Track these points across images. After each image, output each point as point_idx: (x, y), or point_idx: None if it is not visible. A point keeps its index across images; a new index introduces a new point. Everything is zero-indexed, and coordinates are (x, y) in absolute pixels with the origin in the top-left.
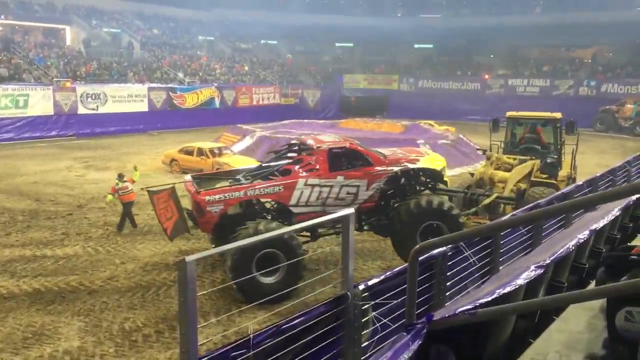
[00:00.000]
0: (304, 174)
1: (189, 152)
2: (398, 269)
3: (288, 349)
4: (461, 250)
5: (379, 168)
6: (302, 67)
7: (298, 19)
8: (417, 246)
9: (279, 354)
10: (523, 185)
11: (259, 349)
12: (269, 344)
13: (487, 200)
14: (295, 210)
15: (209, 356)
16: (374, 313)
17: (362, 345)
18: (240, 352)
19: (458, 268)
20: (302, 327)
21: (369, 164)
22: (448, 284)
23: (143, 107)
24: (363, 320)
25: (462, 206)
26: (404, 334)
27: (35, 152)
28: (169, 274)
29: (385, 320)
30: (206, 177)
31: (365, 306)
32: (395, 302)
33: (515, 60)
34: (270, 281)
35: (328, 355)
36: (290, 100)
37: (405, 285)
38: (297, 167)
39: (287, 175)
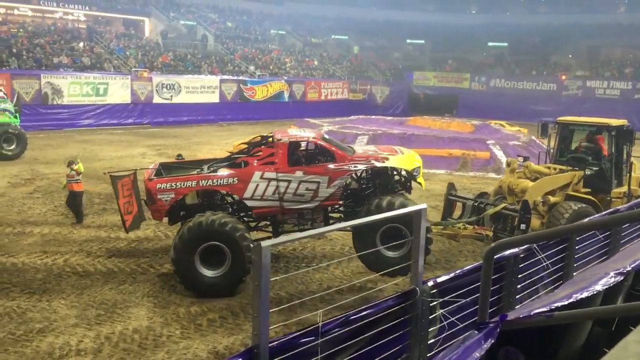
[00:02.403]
0: (261, 167)
1: None
2: (468, 267)
3: (355, 339)
4: (534, 253)
5: (342, 165)
6: (371, 62)
7: (369, 14)
8: (493, 244)
9: (345, 344)
10: (553, 199)
11: (327, 337)
12: (336, 333)
13: (491, 210)
14: (249, 203)
15: (279, 340)
16: (441, 310)
17: (429, 342)
18: (308, 339)
19: (530, 271)
20: (370, 319)
21: (332, 160)
22: (519, 286)
23: (214, 98)
24: (430, 317)
25: (471, 214)
26: (475, 332)
27: (113, 139)
28: None
29: (453, 319)
30: (176, 165)
31: (433, 303)
32: (464, 300)
33: (594, 61)
34: (212, 274)
35: (393, 350)
36: (359, 95)
37: (474, 285)
38: (255, 159)
39: (245, 167)
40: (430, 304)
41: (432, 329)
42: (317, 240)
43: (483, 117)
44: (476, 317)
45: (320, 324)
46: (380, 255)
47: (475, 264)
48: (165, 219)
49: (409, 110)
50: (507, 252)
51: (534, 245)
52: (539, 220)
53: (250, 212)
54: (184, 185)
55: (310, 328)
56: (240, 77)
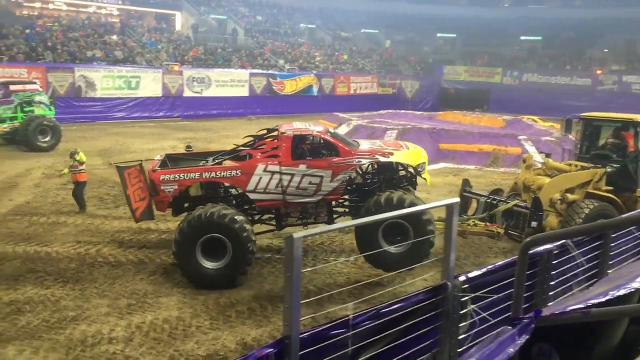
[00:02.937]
0: (265, 160)
1: None
2: (500, 263)
3: (385, 333)
4: (568, 249)
5: (345, 159)
6: (401, 57)
7: (400, 8)
8: (528, 239)
9: (375, 338)
10: (572, 196)
11: (357, 330)
12: (367, 326)
13: (502, 207)
14: (252, 196)
15: (310, 332)
16: (472, 306)
17: (459, 337)
18: (339, 331)
19: (563, 267)
20: (400, 313)
21: (336, 154)
22: (552, 283)
23: (244, 92)
24: (462, 312)
25: (483, 211)
26: (509, 327)
27: (144, 131)
28: (261, 254)
29: (484, 314)
30: (182, 157)
31: (465, 298)
32: (497, 296)
33: (631, 55)
34: (213, 266)
35: (423, 344)
36: (388, 90)
37: (507, 280)
38: (259, 152)
39: (249, 159)
40: (462, 299)
41: (462, 324)
42: (347, 234)
43: (515, 113)
44: (508, 313)
45: (350, 317)
46: (382, 251)
47: (508, 259)
48: (170, 210)
49: (438, 105)
50: (541, 248)
51: (568, 241)
52: (557, 219)
53: (253, 205)
54: (187, 176)
55: (341, 320)
56: (270, 71)
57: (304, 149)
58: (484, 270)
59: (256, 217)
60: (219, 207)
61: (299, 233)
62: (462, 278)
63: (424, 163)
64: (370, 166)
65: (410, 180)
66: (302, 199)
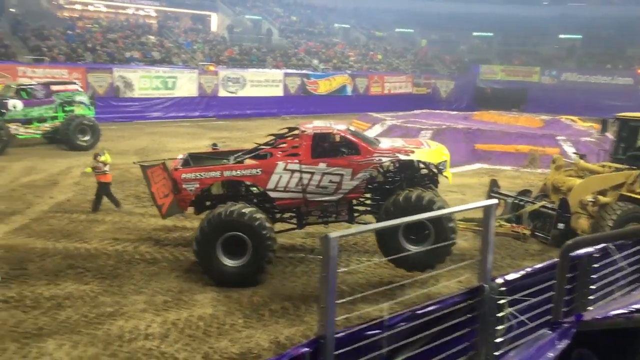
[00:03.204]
0: (285, 158)
1: None
2: (538, 266)
3: (420, 335)
4: (609, 252)
5: (366, 157)
6: (436, 56)
7: (435, 7)
8: (570, 242)
9: (410, 339)
10: (604, 199)
11: (393, 331)
12: (402, 328)
13: (528, 208)
14: (272, 195)
15: (345, 332)
16: (510, 309)
17: (496, 341)
18: (374, 332)
19: (605, 271)
20: (436, 315)
21: (357, 153)
22: (593, 286)
23: (278, 92)
24: (498, 315)
25: (510, 212)
26: (549, 332)
27: (179, 131)
28: (295, 254)
29: (522, 318)
30: (205, 156)
31: (502, 301)
32: (535, 299)
33: None
34: (234, 264)
35: (459, 347)
36: (423, 89)
37: (545, 283)
38: (279, 150)
39: (269, 158)
40: (499, 302)
41: (499, 327)
42: None
43: (553, 112)
44: (547, 317)
45: (386, 318)
46: (401, 250)
47: (546, 262)
48: (192, 209)
49: (474, 105)
50: (582, 251)
51: (610, 244)
52: (589, 221)
53: (274, 204)
54: (208, 175)
55: (376, 321)
56: (304, 71)
57: (325, 147)
58: (522, 273)
59: (277, 216)
60: (239, 206)
61: (335, 233)
62: (499, 280)
63: (446, 161)
64: (391, 164)
65: (432, 179)
66: (322, 198)
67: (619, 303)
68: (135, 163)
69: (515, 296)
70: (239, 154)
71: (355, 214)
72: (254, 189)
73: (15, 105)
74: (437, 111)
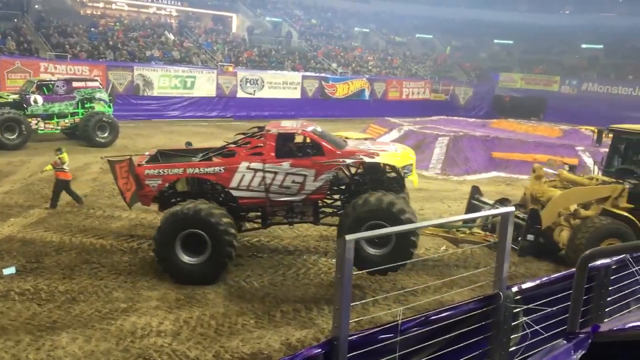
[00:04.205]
0: (248, 157)
1: None
2: (555, 275)
3: (434, 340)
4: (627, 264)
5: (329, 159)
6: (456, 63)
7: (456, 14)
8: (588, 252)
9: (424, 345)
10: (585, 212)
11: (406, 336)
12: (415, 332)
13: (496, 219)
14: (235, 193)
15: (359, 335)
16: (525, 318)
17: (510, 350)
18: (387, 335)
19: (621, 283)
20: (450, 321)
21: (321, 154)
22: (609, 298)
23: (296, 94)
24: (513, 323)
25: (484, 220)
26: (564, 342)
27: (197, 130)
28: (308, 257)
29: (537, 327)
30: (175, 153)
31: (517, 309)
32: (551, 309)
33: None
34: (193, 262)
35: (472, 354)
36: (441, 96)
37: (561, 293)
38: (244, 149)
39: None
40: (514, 311)
41: (514, 336)
42: None
43: (573, 122)
44: (563, 327)
45: (399, 322)
46: (361, 252)
47: (563, 272)
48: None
49: (492, 112)
50: (599, 262)
51: (628, 256)
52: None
53: (238, 203)
54: (171, 172)
55: (390, 325)
56: (322, 74)
57: (290, 147)
58: (538, 282)
59: (243, 215)
60: (196, 203)
61: (351, 236)
62: (515, 289)
63: (411, 165)
64: (357, 167)
65: (398, 182)
66: (285, 198)
67: (636, 315)
68: (103, 158)
69: (531, 305)
70: (207, 151)
71: (322, 216)
72: (219, 187)
73: (37, 100)
74: (455, 118)
